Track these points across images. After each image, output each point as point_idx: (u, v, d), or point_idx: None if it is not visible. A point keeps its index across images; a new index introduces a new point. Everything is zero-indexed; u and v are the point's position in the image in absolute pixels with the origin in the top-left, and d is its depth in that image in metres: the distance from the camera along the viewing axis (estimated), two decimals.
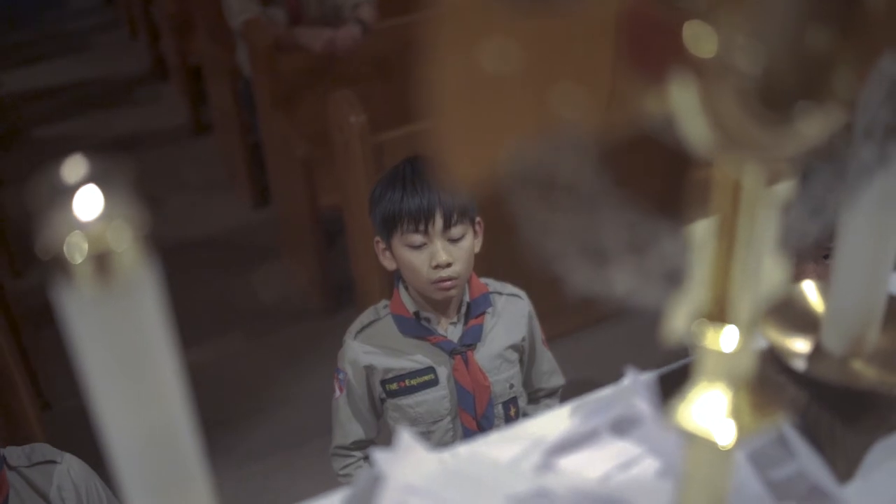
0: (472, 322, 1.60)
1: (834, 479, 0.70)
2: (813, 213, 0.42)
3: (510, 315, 1.64)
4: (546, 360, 1.73)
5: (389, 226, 1.54)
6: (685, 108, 0.34)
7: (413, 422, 1.58)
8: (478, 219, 1.57)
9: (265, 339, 3.04)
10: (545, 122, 0.33)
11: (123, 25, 5.45)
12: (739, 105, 0.33)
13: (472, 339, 1.59)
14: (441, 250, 1.51)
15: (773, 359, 0.76)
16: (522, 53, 0.32)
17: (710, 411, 0.44)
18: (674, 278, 0.40)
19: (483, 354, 1.60)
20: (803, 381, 0.74)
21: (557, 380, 1.76)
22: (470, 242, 1.55)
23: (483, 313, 1.61)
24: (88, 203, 0.39)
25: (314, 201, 2.94)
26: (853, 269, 0.71)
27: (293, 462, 2.53)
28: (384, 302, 1.64)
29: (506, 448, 0.71)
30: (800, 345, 0.75)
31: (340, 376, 1.62)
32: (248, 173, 3.61)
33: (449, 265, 1.51)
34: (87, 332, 0.39)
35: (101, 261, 0.38)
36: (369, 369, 1.59)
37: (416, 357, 1.58)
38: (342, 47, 3.00)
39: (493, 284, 1.65)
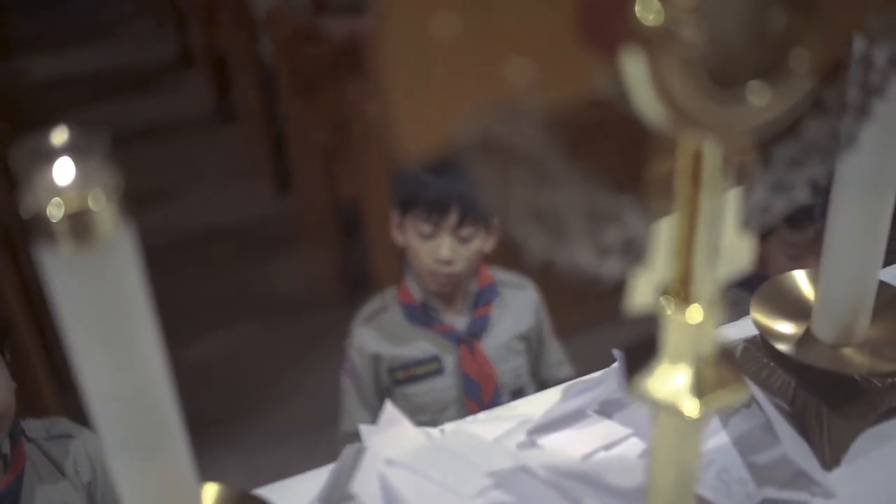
0: (479, 311, 1.60)
1: (820, 464, 0.71)
2: (776, 190, 0.42)
3: (517, 305, 1.64)
4: (554, 351, 1.73)
5: (405, 205, 1.54)
6: (636, 82, 0.34)
7: (419, 410, 1.59)
8: (496, 219, 1.56)
9: (283, 327, 3.06)
10: (499, 93, 0.34)
11: (150, 14, 5.49)
12: (688, 79, 0.34)
13: (478, 329, 1.59)
14: (446, 246, 1.50)
15: (764, 345, 0.77)
16: (476, 22, 0.33)
17: (675, 383, 0.45)
18: (636, 252, 0.41)
19: (489, 344, 1.60)
20: (793, 366, 0.75)
21: (566, 371, 1.76)
22: (479, 244, 1.54)
23: (490, 303, 1.61)
24: (68, 168, 0.41)
25: (334, 191, 2.96)
26: (842, 257, 0.71)
27: (309, 448, 2.55)
28: (392, 290, 1.64)
29: (493, 426, 0.71)
30: (791, 332, 0.75)
31: (348, 364, 1.63)
32: (270, 162, 3.64)
33: (450, 263, 1.51)
34: (66, 291, 0.41)
35: (79, 220, 0.39)
36: (376, 357, 1.59)
37: (422, 346, 1.59)
38: (365, 37, 3.01)
39: (500, 274, 1.65)
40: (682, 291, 0.44)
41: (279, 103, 3.23)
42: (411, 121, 0.33)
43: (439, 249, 1.50)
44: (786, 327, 0.76)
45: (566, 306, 2.14)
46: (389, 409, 0.67)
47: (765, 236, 1.62)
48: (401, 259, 1.64)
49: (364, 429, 0.67)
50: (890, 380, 0.75)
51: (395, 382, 1.60)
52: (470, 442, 0.66)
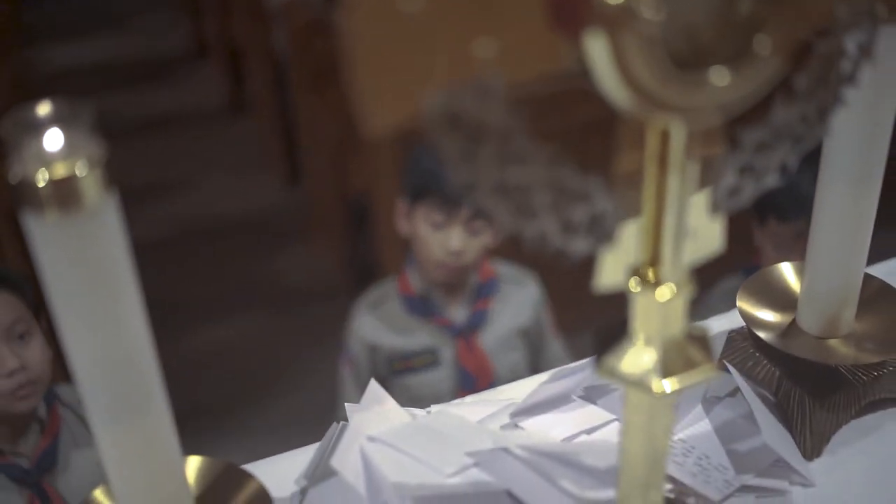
0: (478, 305, 1.61)
1: (801, 454, 0.72)
2: (744, 173, 0.43)
3: (517, 301, 1.65)
4: (555, 347, 1.74)
5: (417, 194, 1.53)
6: (600, 64, 0.35)
7: (415, 401, 1.59)
8: None
9: (291, 317, 3.08)
10: (466, 69, 0.35)
11: (165, 4, 5.51)
12: (649, 60, 0.35)
13: (477, 323, 1.60)
14: (457, 237, 1.51)
15: (751, 335, 0.77)
16: None
17: (644, 362, 0.46)
18: (602, 230, 0.42)
19: (487, 338, 1.61)
20: (778, 357, 0.75)
21: None
22: (487, 237, 1.55)
23: (490, 297, 1.62)
24: (56, 138, 0.42)
25: (344, 183, 2.97)
26: (828, 248, 0.72)
27: (313, 436, 2.56)
28: (393, 280, 1.65)
29: (478, 409, 0.73)
30: (777, 323, 0.76)
31: (347, 352, 1.65)
32: (282, 154, 3.66)
33: (460, 254, 1.52)
34: (51, 257, 0.42)
35: (64, 187, 0.40)
36: (374, 347, 1.60)
37: (420, 337, 1.60)
38: None
39: (502, 269, 1.66)
40: (651, 272, 0.45)
41: (292, 95, 3.25)
42: (378, 95, 0.34)
43: (450, 240, 1.50)
44: (772, 318, 0.76)
45: (570, 302, 2.15)
46: (374, 388, 0.68)
47: (761, 228, 1.63)
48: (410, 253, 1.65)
49: (349, 407, 0.68)
50: (875, 372, 0.75)
51: (392, 372, 1.61)
52: (453, 422, 0.67)
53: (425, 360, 1.59)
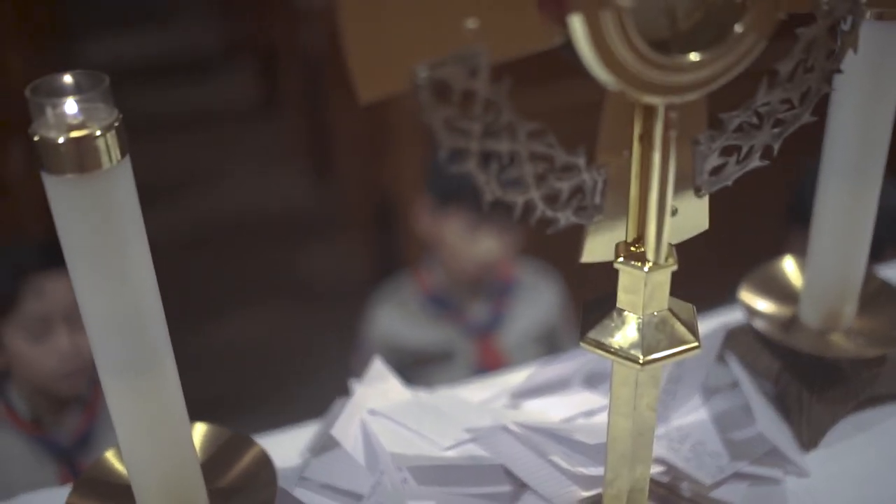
0: (498, 306, 1.61)
1: (796, 445, 0.73)
2: (726, 154, 0.45)
3: (537, 302, 1.65)
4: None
5: (447, 198, 1.53)
6: (581, 45, 0.37)
7: None
8: None
9: (315, 312, 3.10)
10: (455, 41, 0.37)
11: (201, 0, 5.56)
12: (626, 42, 0.36)
13: (494, 323, 1.61)
14: (488, 245, 1.51)
15: (753, 328, 0.78)
16: None
17: (627, 335, 0.47)
18: (587, 201, 0.43)
19: (504, 339, 1.61)
20: (779, 350, 0.77)
21: None
22: (515, 239, 1.56)
23: (509, 298, 1.63)
24: (76, 104, 0.45)
25: (372, 180, 3.00)
26: (829, 243, 0.73)
27: None
28: (413, 278, 1.67)
29: (481, 393, 0.74)
30: (778, 316, 0.77)
31: (363, 347, 1.67)
32: (311, 150, 3.69)
33: (489, 256, 1.52)
34: (67, 216, 0.45)
35: (83, 148, 0.43)
36: (392, 344, 1.62)
37: (437, 335, 1.60)
38: None
39: (522, 270, 1.67)
40: (636, 247, 0.46)
41: (323, 93, 3.29)
42: (369, 65, 0.36)
43: (481, 247, 1.51)
44: (774, 311, 0.77)
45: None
46: (377, 365, 0.70)
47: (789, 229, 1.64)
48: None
49: (353, 382, 0.71)
50: (875, 368, 0.76)
51: (407, 369, 1.62)
52: (453, 400, 0.69)
53: (441, 357, 1.60)
